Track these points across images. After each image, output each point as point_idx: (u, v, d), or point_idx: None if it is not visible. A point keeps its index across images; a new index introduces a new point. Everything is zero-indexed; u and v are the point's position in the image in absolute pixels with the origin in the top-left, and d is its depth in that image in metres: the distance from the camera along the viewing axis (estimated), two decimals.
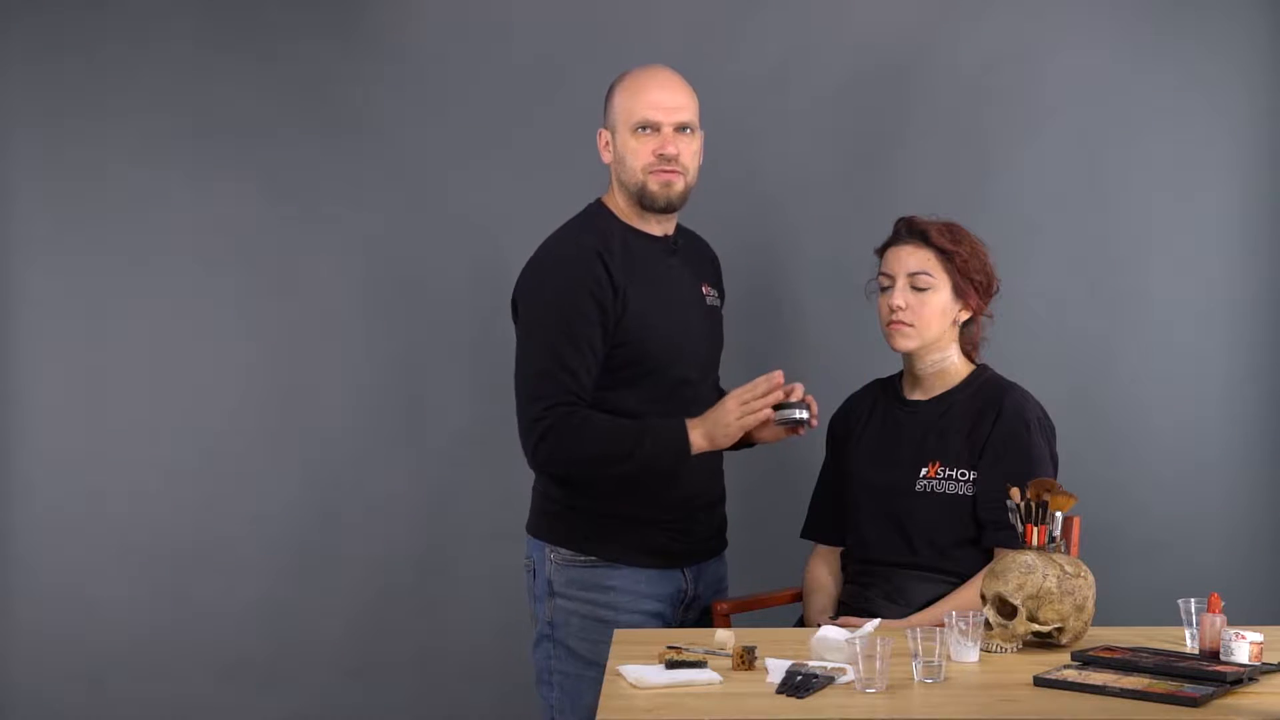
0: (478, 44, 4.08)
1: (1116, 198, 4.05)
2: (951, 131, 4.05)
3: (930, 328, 3.29)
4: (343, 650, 4.11)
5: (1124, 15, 4.05)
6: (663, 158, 3.20)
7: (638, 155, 3.21)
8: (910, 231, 3.31)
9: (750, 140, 4.06)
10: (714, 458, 3.32)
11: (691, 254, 3.38)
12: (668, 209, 3.26)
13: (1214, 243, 4.06)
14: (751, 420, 3.10)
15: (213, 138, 4.08)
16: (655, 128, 3.21)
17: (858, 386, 3.51)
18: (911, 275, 3.29)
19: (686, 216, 3.44)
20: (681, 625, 3.32)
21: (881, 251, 3.36)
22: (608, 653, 3.12)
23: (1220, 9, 4.03)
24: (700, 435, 3.13)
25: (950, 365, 3.34)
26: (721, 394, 3.31)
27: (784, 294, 4.09)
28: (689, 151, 3.24)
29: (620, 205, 3.29)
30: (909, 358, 3.35)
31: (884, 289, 3.33)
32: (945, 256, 3.28)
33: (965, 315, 3.33)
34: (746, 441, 3.33)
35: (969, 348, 3.38)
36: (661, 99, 3.22)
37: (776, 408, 3.16)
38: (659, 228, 3.30)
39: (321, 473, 4.11)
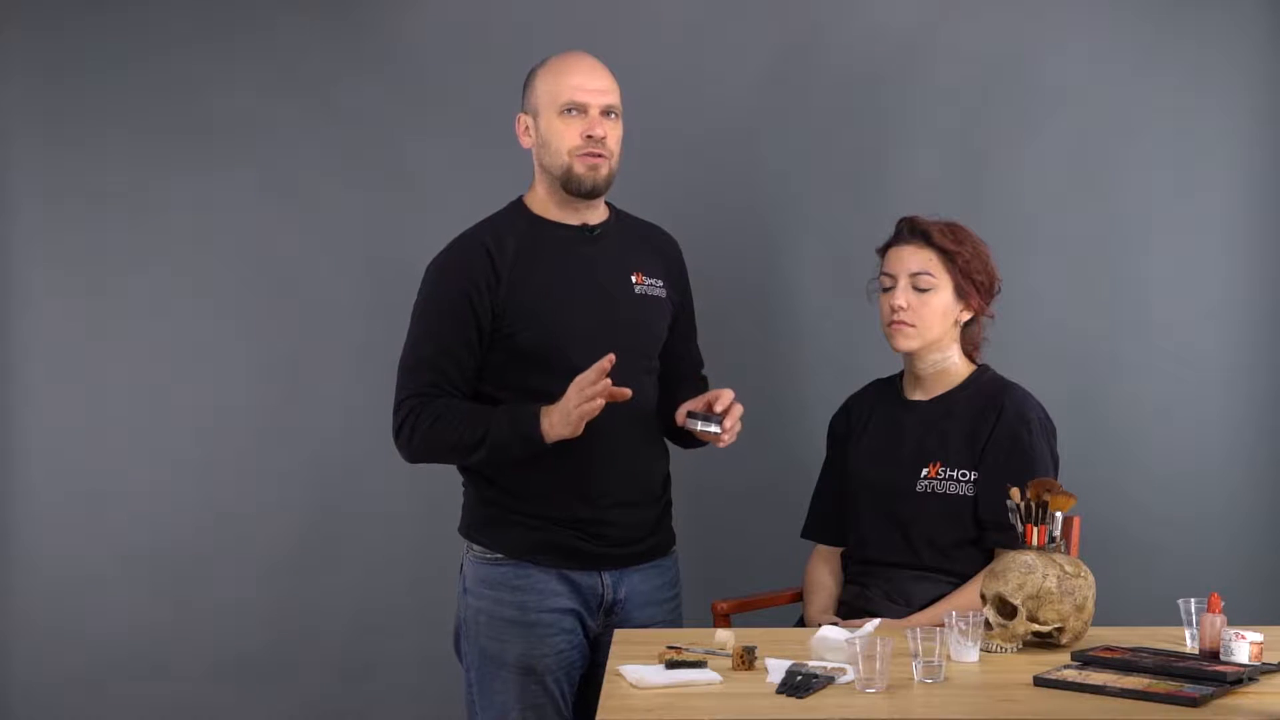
0: (478, 44, 4.08)
1: (1116, 197, 4.05)
2: (951, 131, 4.05)
3: (932, 328, 3.29)
4: (343, 650, 4.11)
5: (1124, 15, 4.05)
6: (591, 139, 3.13)
7: (564, 137, 3.15)
8: (912, 231, 3.31)
9: (750, 139, 4.06)
10: (633, 458, 3.21)
11: (626, 242, 3.28)
12: (593, 193, 3.18)
13: (1214, 243, 4.05)
14: (589, 408, 2.96)
15: (213, 138, 4.08)
16: (583, 109, 3.15)
17: (858, 386, 3.51)
18: (913, 275, 3.28)
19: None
20: (605, 630, 3.17)
21: (883, 251, 3.36)
22: (515, 652, 3.10)
23: (1220, 9, 4.03)
24: (549, 423, 3.02)
25: (951, 365, 3.34)
26: (671, 383, 3.28)
27: (784, 294, 4.08)
28: (614, 136, 3.18)
29: (539, 195, 3.23)
30: (910, 358, 3.35)
31: (885, 289, 3.33)
32: (947, 257, 3.28)
33: (967, 316, 3.32)
34: (695, 441, 3.26)
35: (970, 348, 3.38)
36: (587, 82, 3.17)
37: (690, 415, 3.11)
38: (577, 216, 3.22)
39: (321, 473, 4.11)
